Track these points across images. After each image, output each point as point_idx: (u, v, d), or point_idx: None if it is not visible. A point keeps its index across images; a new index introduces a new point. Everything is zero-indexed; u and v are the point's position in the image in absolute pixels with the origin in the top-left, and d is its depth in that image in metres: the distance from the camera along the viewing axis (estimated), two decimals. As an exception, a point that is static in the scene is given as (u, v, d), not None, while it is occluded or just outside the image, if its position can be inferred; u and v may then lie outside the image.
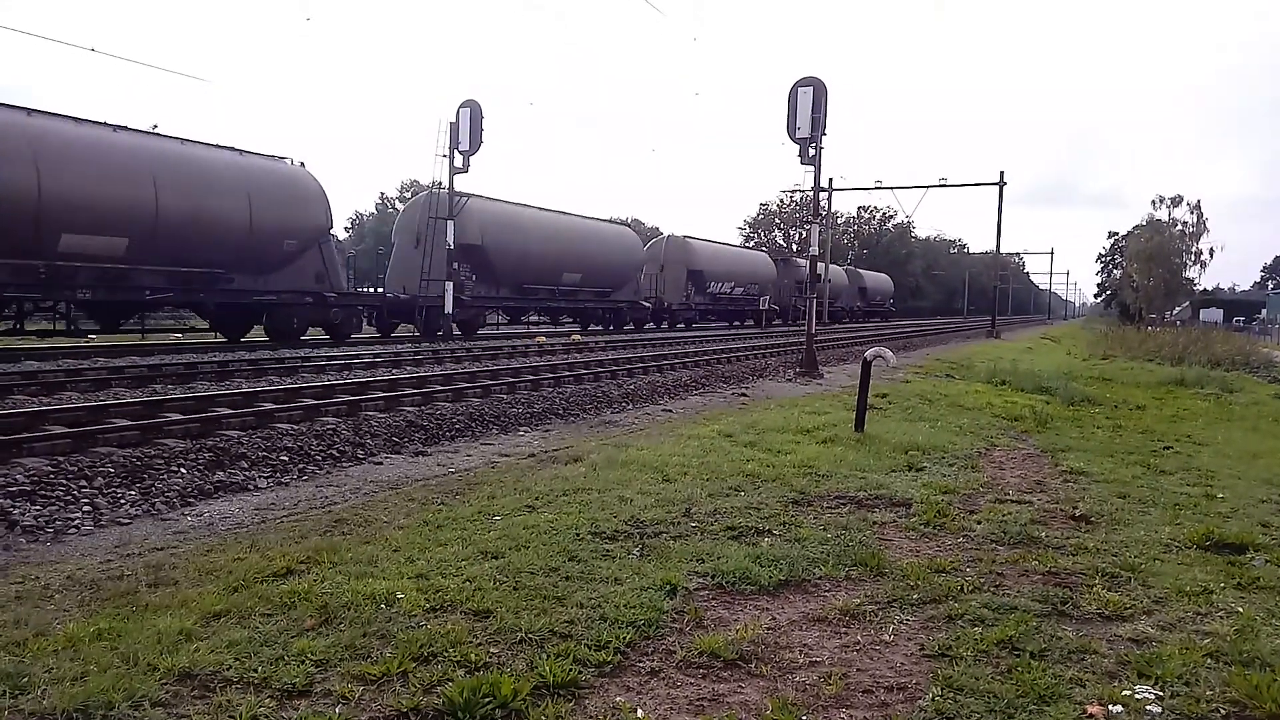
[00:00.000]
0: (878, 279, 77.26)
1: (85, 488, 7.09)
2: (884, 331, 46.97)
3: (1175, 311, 78.30)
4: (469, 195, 28.72)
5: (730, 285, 48.34)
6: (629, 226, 51.40)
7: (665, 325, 43.50)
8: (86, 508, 6.70)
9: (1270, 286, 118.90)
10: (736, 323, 51.47)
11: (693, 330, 43.07)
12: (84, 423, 8.92)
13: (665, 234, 46.19)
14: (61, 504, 6.70)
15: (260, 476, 8.10)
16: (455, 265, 26.99)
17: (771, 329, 46.26)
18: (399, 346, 22.24)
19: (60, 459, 7.63)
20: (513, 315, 35.48)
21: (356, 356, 18.11)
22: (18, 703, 3.12)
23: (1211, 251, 70.13)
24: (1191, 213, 70.42)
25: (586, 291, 35.91)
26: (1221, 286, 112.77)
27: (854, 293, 67.93)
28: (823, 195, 28.26)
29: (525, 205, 33.45)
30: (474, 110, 26.43)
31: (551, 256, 32.98)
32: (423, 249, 27.49)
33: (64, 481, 7.11)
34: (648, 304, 40.27)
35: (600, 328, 38.20)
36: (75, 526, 6.31)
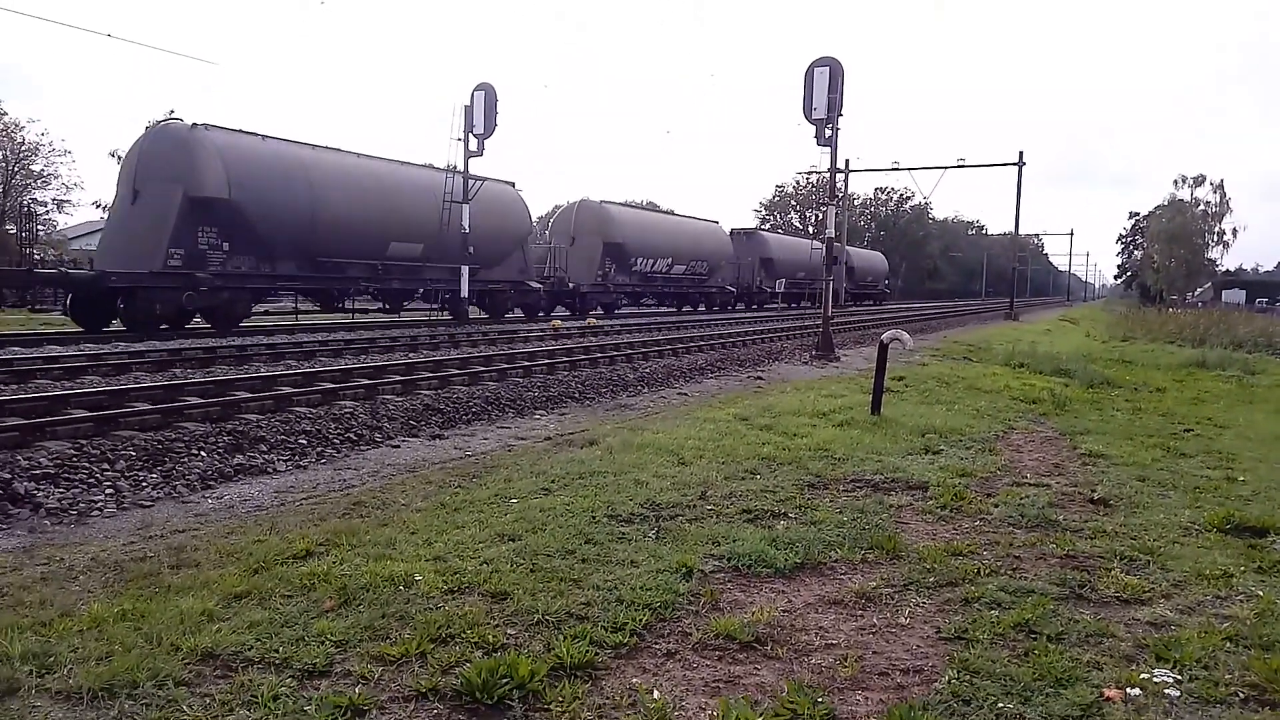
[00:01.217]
0: (868, 257, 69.25)
1: (108, 471, 7.17)
2: (880, 317, 41.25)
3: (1197, 293, 77.46)
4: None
5: (667, 263, 40.10)
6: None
7: (566, 314, 33.57)
8: (109, 490, 6.79)
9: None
10: (686, 308, 44.18)
11: (639, 318, 35.28)
12: (105, 406, 9.01)
13: (577, 200, 37.55)
14: (84, 487, 6.79)
15: (279, 460, 8.17)
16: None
17: (735, 314, 41.41)
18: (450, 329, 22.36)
19: (83, 442, 7.72)
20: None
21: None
22: (44, 681, 3.18)
23: (1235, 232, 69.55)
24: (1214, 192, 69.70)
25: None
26: (1244, 267, 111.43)
27: (590, 259, 58.90)
28: (839, 177, 28.06)
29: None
30: (488, 93, 26.35)
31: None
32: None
33: (86, 465, 7.20)
34: (537, 284, 31.23)
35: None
36: (98, 509, 6.39)
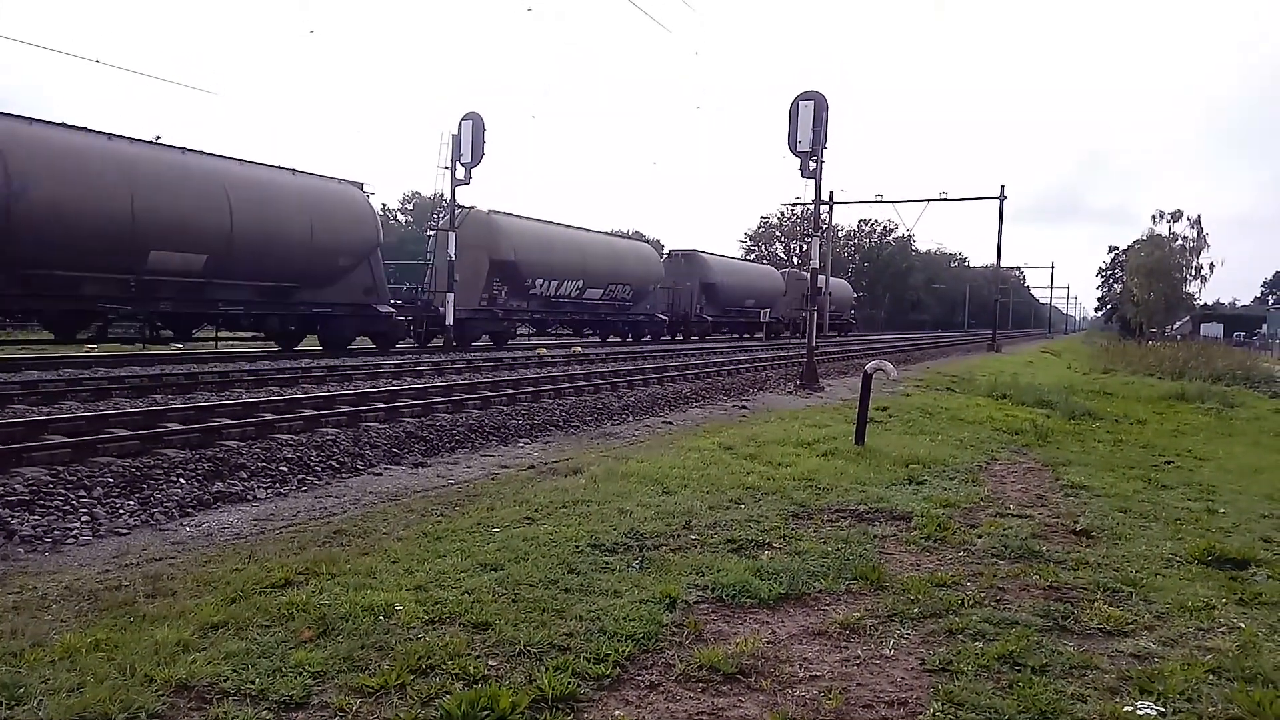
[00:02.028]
0: (833, 285, 62.08)
1: (84, 497, 7.07)
2: (864, 348, 39.95)
3: (1176, 326, 78.37)
4: (505, 214, 31.39)
5: (577, 285, 34.29)
6: (631, 238, 51.93)
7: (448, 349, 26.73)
8: (85, 518, 6.68)
9: (1270, 301, 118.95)
10: (589, 333, 39.31)
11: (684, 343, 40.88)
12: (84, 432, 8.91)
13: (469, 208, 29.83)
14: (60, 514, 6.68)
15: (260, 487, 8.08)
16: (495, 281, 30.56)
17: (672, 346, 37.30)
18: (435, 357, 22.26)
19: (59, 469, 7.62)
20: (539, 328, 37.19)
21: (400, 365, 18.14)
22: (14, 714, 3.10)
23: (1212, 266, 70.39)
24: (1192, 228, 70.71)
25: (605, 305, 37.56)
26: (1222, 301, 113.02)
27: (795, 301, 53.32)
28: (823, 208, 28.33)
29: (552, 223, 35.03)
30: (476, 122, 26.54)
31: (575, 271, 34.43)
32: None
33: (63, 491, 7.09)
34: (388, 308, 24.66)
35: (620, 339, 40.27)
36: (74, 536, 6.29)
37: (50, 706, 3.13)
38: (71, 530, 6.39)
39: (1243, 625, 4.41)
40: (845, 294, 67.62)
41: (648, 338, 42.91)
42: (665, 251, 47.68)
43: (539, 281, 32.45)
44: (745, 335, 51.41)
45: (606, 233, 45.87)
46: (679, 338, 45.01)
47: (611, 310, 38.64)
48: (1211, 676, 3.76)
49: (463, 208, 28.84)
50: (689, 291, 45.96)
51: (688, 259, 45.86)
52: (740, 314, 49.55)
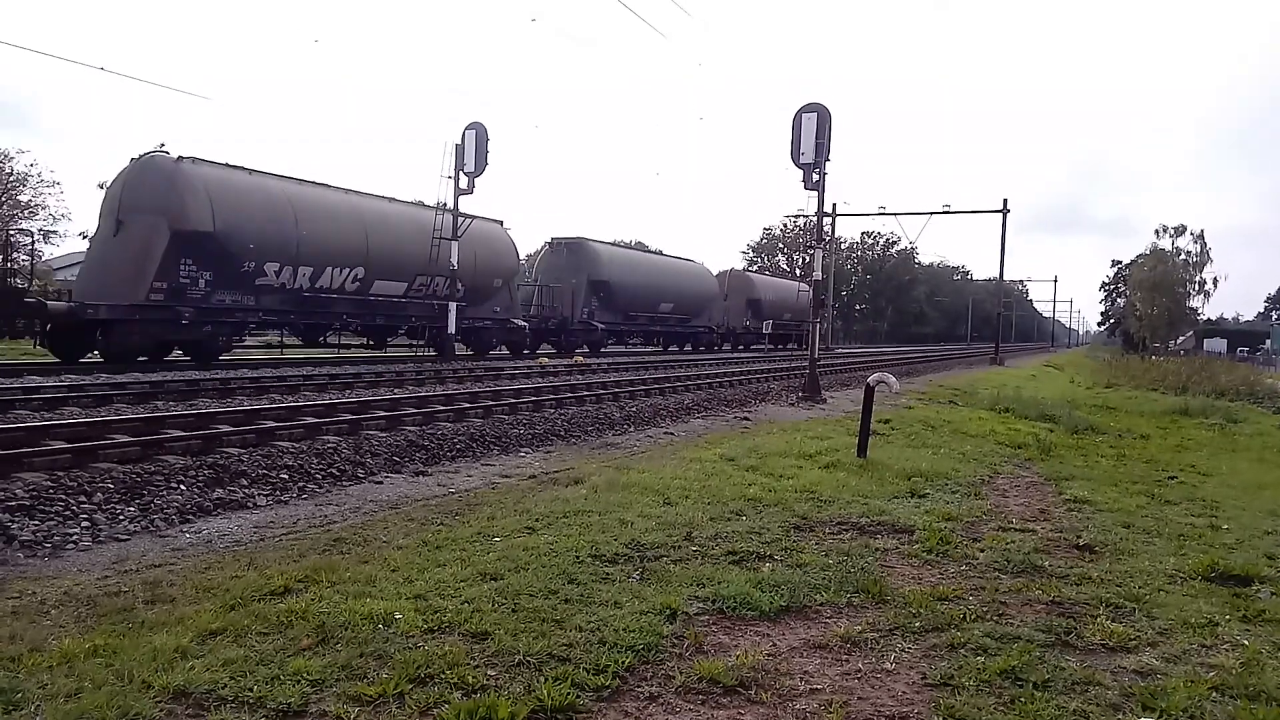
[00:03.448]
0: (784, 289, 54.54)
1: (84, 503, 7.06)
2: (867, 361, 37.49)
3: (1179, 341, 78.28)
4: (598, 241, 37.10)
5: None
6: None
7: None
8: (85, 523, 6.67)
9: (1274, 317, 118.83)
10: (672, 347, 40.84)
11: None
12: (85, 438, 8.90)
13: (566, 237, 36.51)
14: (60, 519, 6.67)
15: (260, 494, 8.07)
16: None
17: (722, 355, 38.33)
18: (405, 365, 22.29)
19: (60, 474, 7.61)
20: (620, 338, 39.40)
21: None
22: (11, 719, 3.09)
23: (1215, 281, 70.42)
24: (1195, 242, 70.76)
25: (674, 318, 40.40)
26: (1225, 316, 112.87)
27: (736, 308, 48.28)
28: (826, 220, 28.34)
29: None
30: (479, 132, 26.59)
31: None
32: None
33: (63, 497, 7.08)
34: (522, 322, 30.96)
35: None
36: (73, 542, 6.28)
37: (48, 712, 3.12)
38: (71, 536, 6.38)
39: (1246, 642, 4.38)
40: (700, 287, 55.34)
41: (703, 347, 42.24)
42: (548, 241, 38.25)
43: (626, 298, 36.65)
44: (674, 348, 43.59)
45: (672, 256, 44.12)
46: (725, 347, 43.47)
47: (679, 323, 39.01)
48: (1215, 694, 3.73)
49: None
50: (738, 307, 44.13)
51: (572, 249, 36.28)
52: (653, 321, 40.52)
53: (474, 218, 27.13)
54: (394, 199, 26.82)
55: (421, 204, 28.82)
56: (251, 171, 21.86)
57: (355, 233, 23.68)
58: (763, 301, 49.93)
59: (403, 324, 26.67)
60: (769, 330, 49.71)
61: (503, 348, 30.76)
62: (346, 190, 24.87)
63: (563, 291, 34.44)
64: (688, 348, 44.14)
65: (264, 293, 21.49)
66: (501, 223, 30.65)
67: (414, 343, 27.31)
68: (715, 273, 49.33)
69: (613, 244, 41.56)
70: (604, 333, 36.10)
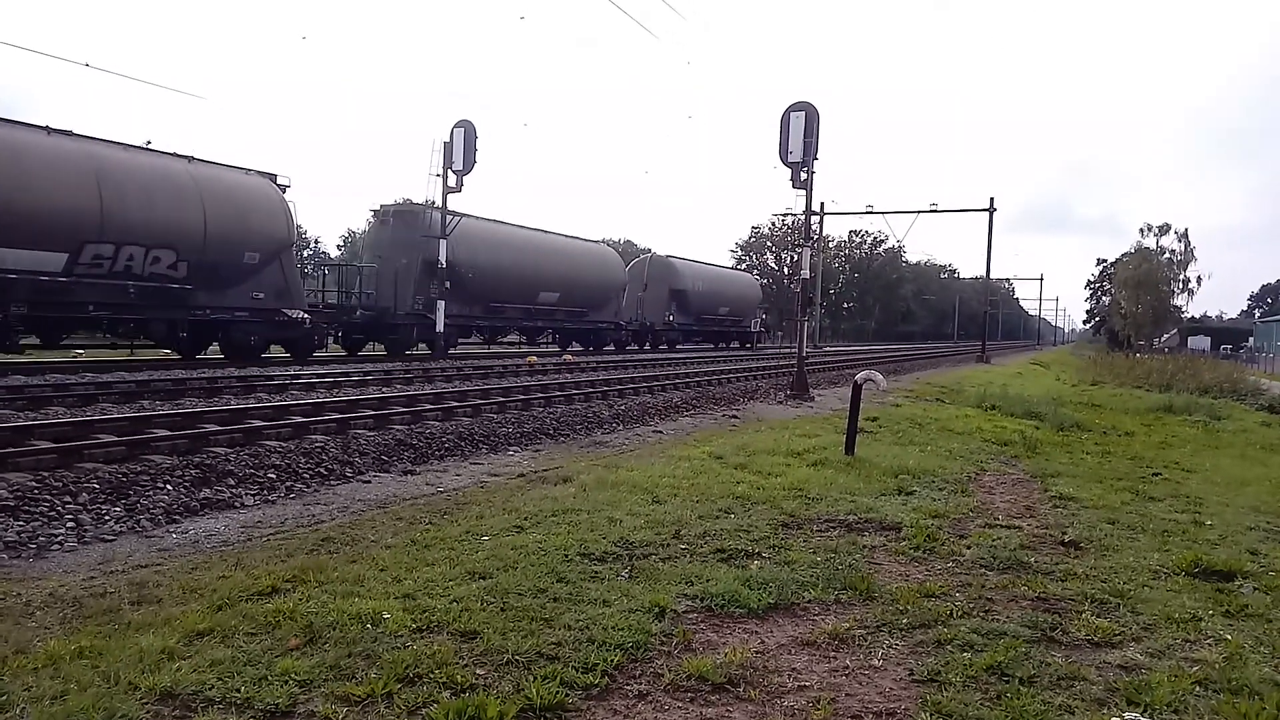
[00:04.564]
0: (721, 279, 48.98)
1: (70, 504, 7.02)
2: (858, 358, 36.42)
3: (1163, 339, 78.84)
4: (677, 258, 38.70)
5: (532, 293, 31.26)
6: (618, 248, 48.71)
7: None
8: (70, 524, 6.63)
9: (1257, 314, 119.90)
10: (575, 346, 35.16)
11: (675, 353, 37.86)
12: (70, 438, 8.84)
13: None
14: (45, 520, 6.63)
15: (247, 494, 8.04)
16: (445, 284, 26.18)
17: (641, 356, 32.61)
18: (387, 365, 22.18)
19: (45, 474, 7.56)
20: (689, 338, 39.63)
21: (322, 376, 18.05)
22: (-5, 722, 3.08)
23: (1199, 279, 70.90)
24: (1179, 241, 71.24)
25: (563, 310, 34.00)
26: (1209, 314, 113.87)
27: (656, 300, 41.94)
28: (814, 219, 28.43)
29: (501, 222, 31.68)
30: (468, 130, 26.55)
31: (530, 276, 31.32)
32: (393, 265, 26.60)
33: (48, 497, 7.04)
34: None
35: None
36: (59, 543, 6.24)
37: (34, 714, 3.10)
38: (56, 536, 6.34)
39: (1229, 637, 4.42)
40: (748, 293, 52.37)
41: (610, 346, 36.12)
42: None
43: (499, 288, 29.85)
44: (720, 346, 43.38)
45: (563, 234, 35.01)
46: (644, 347, 36.81)
47: (568, 317, 33.44)
48: (1198, 688, 3.77)
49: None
50: (657, 299, 38.20)
51: (407, 221, 27.91)
52: (531, 315, 33.00)
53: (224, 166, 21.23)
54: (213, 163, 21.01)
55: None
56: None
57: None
58: (689, 293, 43.47)
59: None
60: (699, 327, 44.45)
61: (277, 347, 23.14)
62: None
63: (387, 274, 27.07)
64: (584, 347, 36.75)
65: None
66: (275, 178, 22.87)
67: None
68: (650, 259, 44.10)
69: (475, 217, 29.86)
70: (452, 329, 28.39)
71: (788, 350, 38.96)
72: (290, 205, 22.63)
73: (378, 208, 29.47)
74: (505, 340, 35.48)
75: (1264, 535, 7.00)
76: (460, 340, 30.99)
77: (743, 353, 44.11)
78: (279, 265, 22.12)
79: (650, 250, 54.53)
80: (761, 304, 55.26)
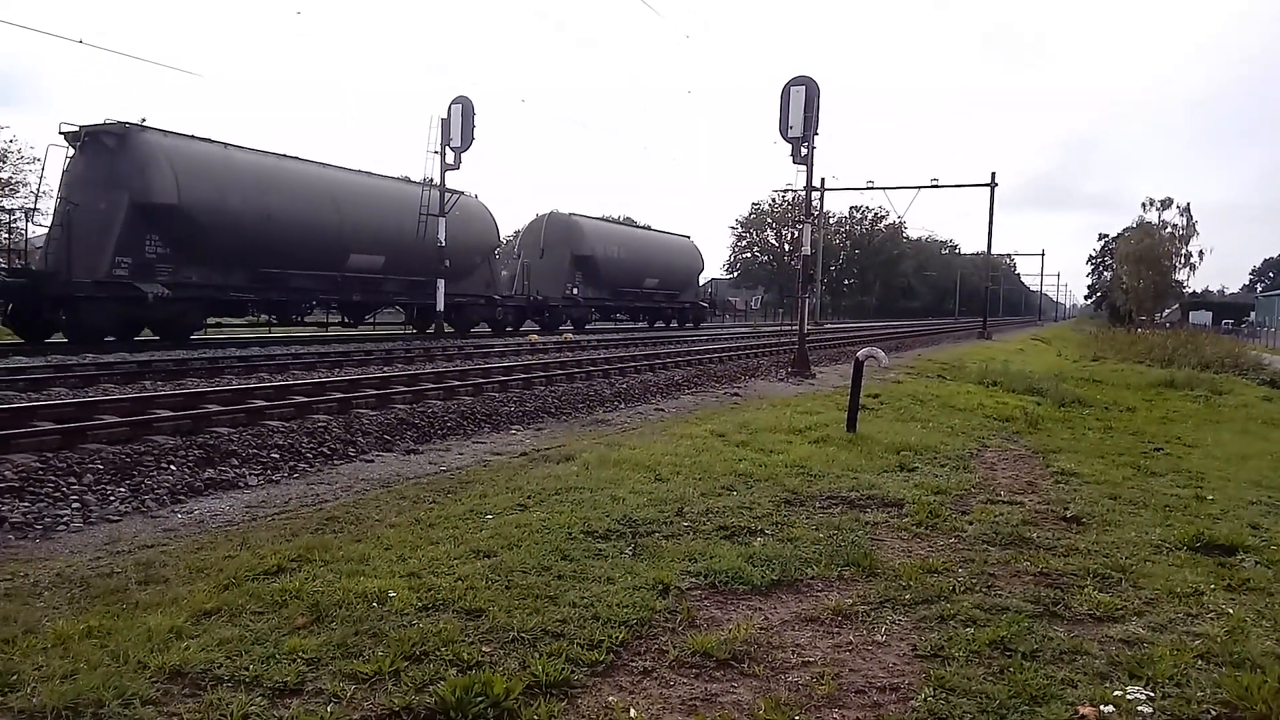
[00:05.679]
0: (649, 244, 42.36)
1: (74, 485, 7.04)
2: (858, 335, 34.79)
3: (1165, 314, 78.67)
4: (583, 216, 38.05)
5: (370, 259, 24.63)
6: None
7: None
8: (76, 505, 6.66)
9: (1259, 289, 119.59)
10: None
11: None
12: (73, 419, 8.86)
13: None
14: (50, 501, 6.66)
15: (251, 474, 8.06)
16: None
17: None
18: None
19: (49, 455, 7.58)
20: (605, 314, 40.17)
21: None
22: (6, 700, 3.10)
23: (1201, 254, 70.47)
24: (1181, 215, 70.80)
25: (660, 293, 42.16)
26: (1211, 289, 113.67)
27: (555, 270, 35.35)
28: (815, 195, 28.27)
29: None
30: (466, 107, 26.38)
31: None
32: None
33: (53, 478, 7.07)
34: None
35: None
36: (65, 524, 6.27)
37: (44, 693, 3.12)
38: (62, 517, 6.37)
39: (1231, 611, 4.44)
40: (684, 262, 44.40)
41: (500, 324, 31.47)
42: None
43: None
44: (649, 324, 38.82)
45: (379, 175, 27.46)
46: (533, 327, 32.23)
47: (397, 289, 26.52)
48: (1200, 662, 3.79)
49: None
50: (555, 269, 32.66)
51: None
52: (637, 299, 34.66)
53: (460, 194, 27.63)
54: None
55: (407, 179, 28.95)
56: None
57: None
58: (598, 259, 36.22)
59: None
60: (616, 302, 37.73)
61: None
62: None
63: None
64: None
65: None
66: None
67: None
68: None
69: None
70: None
71: (789, 328, 38.92)
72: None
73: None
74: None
75: (1265, 509, 7.01)
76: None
77: (742, 330, 44.07)
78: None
79: (649, 228, 54.17)
80: (704, 275, 48.15)
